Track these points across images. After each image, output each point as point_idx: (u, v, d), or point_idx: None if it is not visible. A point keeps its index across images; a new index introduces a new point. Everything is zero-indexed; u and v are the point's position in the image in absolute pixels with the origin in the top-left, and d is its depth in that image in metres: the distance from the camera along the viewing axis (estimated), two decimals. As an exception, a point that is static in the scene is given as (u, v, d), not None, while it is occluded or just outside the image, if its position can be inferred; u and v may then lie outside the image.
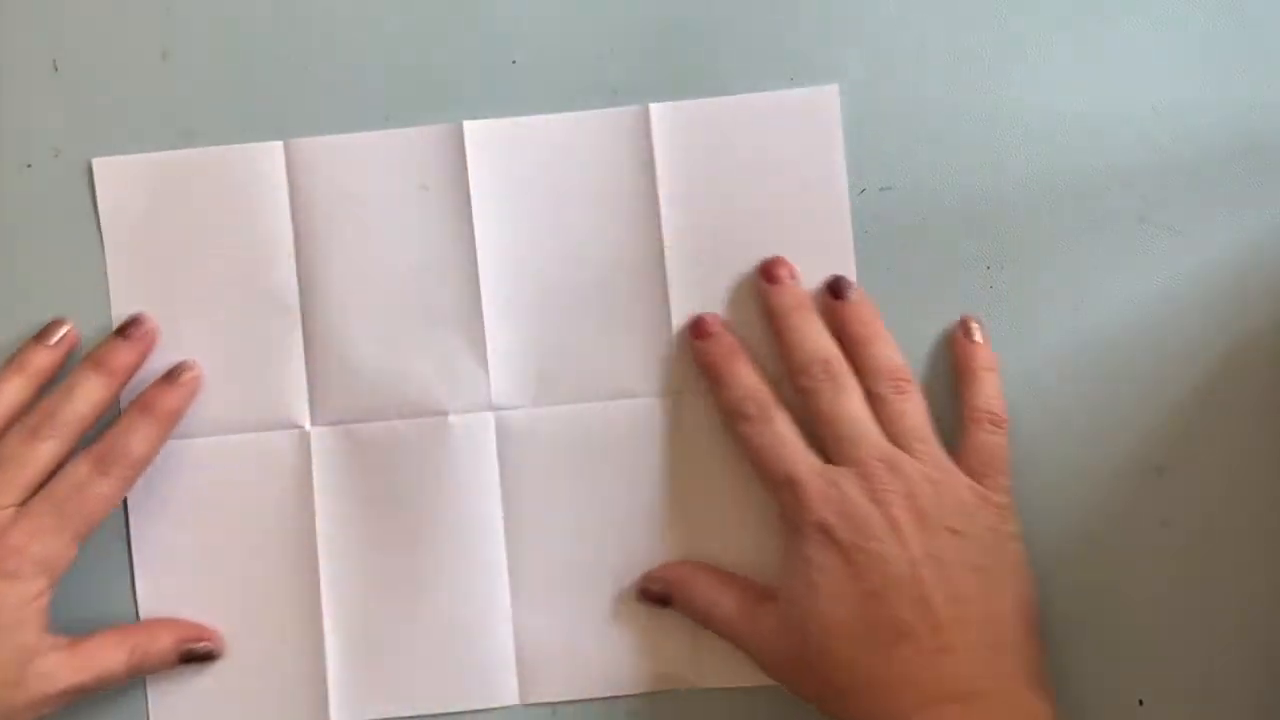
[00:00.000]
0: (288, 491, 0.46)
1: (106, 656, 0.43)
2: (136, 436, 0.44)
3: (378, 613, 0.46)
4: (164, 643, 0.45)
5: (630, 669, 0.46)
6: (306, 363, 0.46)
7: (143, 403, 0.44)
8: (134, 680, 0.46)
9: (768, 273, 0.45)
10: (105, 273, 0.46)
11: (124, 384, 0.45)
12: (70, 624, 0.46)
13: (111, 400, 0.44)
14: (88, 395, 0.44)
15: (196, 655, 0.45)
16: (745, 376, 0.44)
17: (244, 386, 0.46)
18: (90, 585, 0.46)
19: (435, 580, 0.46)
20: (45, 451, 0.43)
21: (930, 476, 0.42)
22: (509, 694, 0.46)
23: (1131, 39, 0.45)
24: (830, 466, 0.43)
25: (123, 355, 0.44)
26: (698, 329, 0.45)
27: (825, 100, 0.45)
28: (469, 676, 0.46)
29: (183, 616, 0.46)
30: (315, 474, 0.46)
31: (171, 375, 0.45)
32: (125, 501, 0.46)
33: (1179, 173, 0.45)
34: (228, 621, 0.46)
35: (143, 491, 0.46)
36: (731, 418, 0.44)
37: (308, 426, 0.46)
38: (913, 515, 0.41)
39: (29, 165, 0.47)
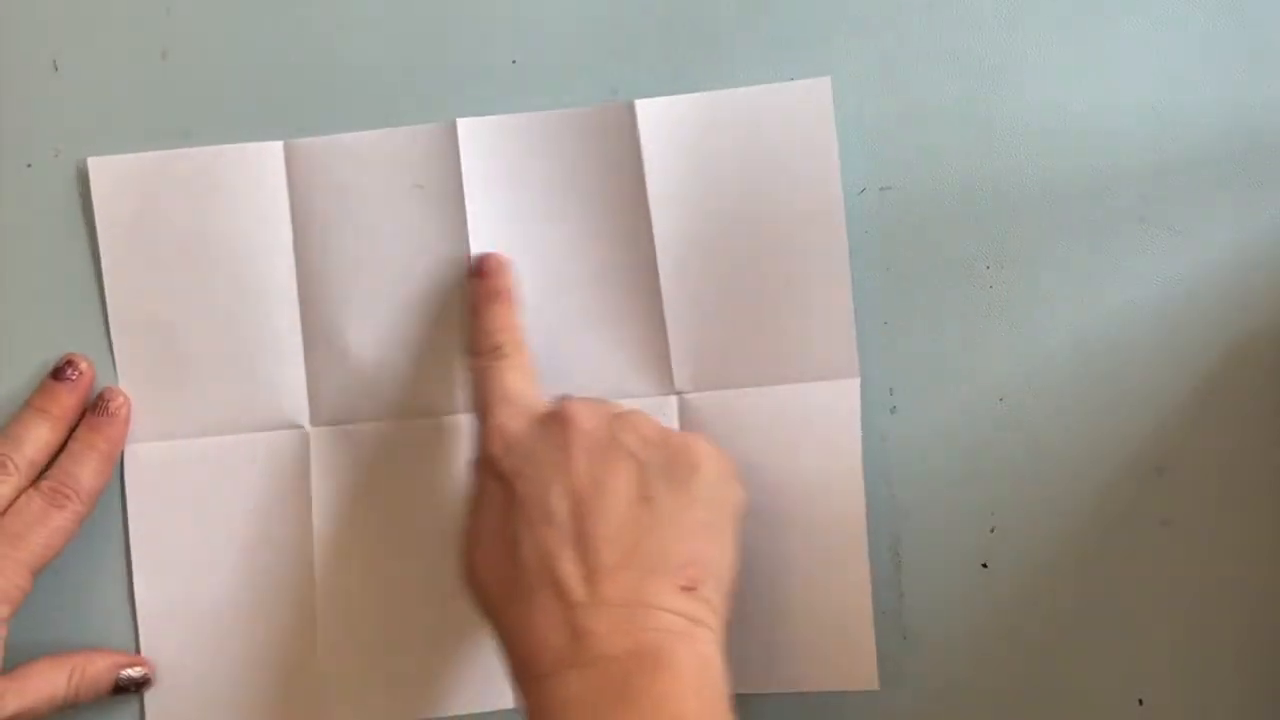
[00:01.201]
0: (286, 492, 0.46)
1: (48, 681, 0.44)
2: (86, 470, 0.45)
3: (372, 615, 0.46)
4: (100, 666, 0.45)
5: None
6: (306, 362, 0.46)
7: (85, 437, 0.45)
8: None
9: (474, 268, 0.45)
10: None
11: (71, 425, 0.46)
12: (71, 624, 0.46)
13: (60, 442, 0.45)
14: (37, 440, 0.45)
15: (132, 681, 0.46)
16: (497, 318, 0.44)
17: (243, 386, 0.46)
18: (90, 585, 0.46)
19: (430, 582, 0.46)
20: (2, 494, 0.44)
21: (607, 412, 0.41)
22: (505, 697, 0.46)
23: (1131, 39, 0.45)
24: (527, 411, 0.41)
25: (64, 398, 0.46)
26: (477, 267, 0.45)
27: (818, 93, 0.45)
28: (463, 679, 0.46)
29: (182, 617, 0.46)
30: (314, 474, 0.46)
31: (102, 406, 0.46)
32: (125, 502, 0.46)
33: (1179, 173, 0.45)
34: (226, 621, 0.46)
35: (143, 491, 0.46)
36: (468, 356, 0.44)
37: (307, 426, 0.46)
38: (585, 447, 0.39)
39: (29, 165, 0.47)
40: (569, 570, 0.37)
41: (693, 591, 0.38)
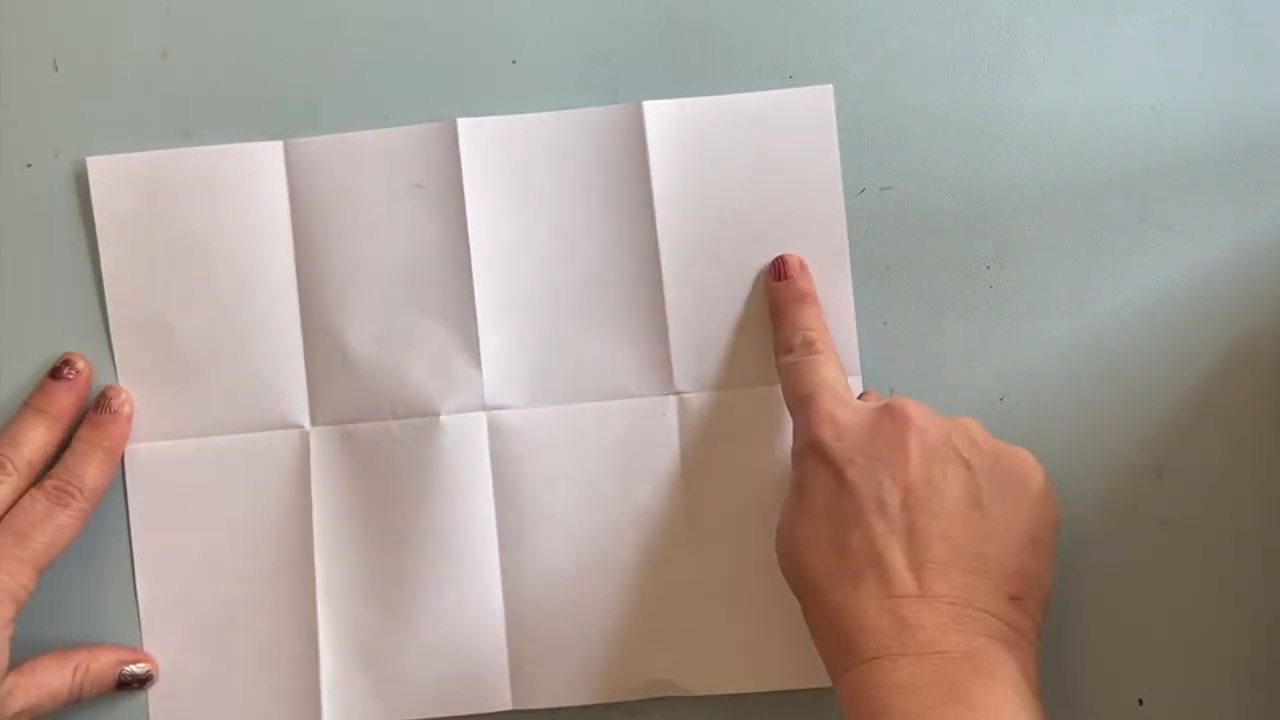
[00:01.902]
0: (286, 491, 0.46)
1: (53, 676, 0.44)
2: (90, 468, 0.45)
3: (372, 616, 0.46)
4: (103, 662, 0.45)
5: (623, 675, 0.45)
6: (306, 362, 0.46)
7: (89, 436, 0.45)
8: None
9: (776, 271, 0.45)
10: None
11: (69, 425, 0.46)
12: (75, 622, 0.46)
13: (59, 442, 0.45)
14: (35, 440, 0.45)
15: (135, 677, 0.46)
16: (807, 317, 0.44)
17: (243, 386, 0.46)
18: (91, 585, 0.46)
19: (429, 583, 0.46)
20: (1, 495, 0.44)
21: (937, 415, 0.41)
22: (502, 699, 0.46)
23: (1131, 39, 0.45)
24: (853, 401, 0.42)
25: (63, 398, 0.45)
26: (776, 270, 0.45)
27: (820, 100, 0.45)
28: (462, 680, 0.46)
29: (184, 615, 0.46)
30: (314, 474, 0.46)
31: (106, 404, 0.46)
32: (126, 502, 0.46)
33: (1179, 173, 0.45)
34: (227, 620, 0.46)
35: (144, 491, 0.46)
36: (778, 352, 0.44)
37: (307, 426, 0.46)
38: (920, 444, 0.39)
39: (29, 165, 0.47)
40: (898, 561, 0.38)
41: (1019, 602, 0.38)
